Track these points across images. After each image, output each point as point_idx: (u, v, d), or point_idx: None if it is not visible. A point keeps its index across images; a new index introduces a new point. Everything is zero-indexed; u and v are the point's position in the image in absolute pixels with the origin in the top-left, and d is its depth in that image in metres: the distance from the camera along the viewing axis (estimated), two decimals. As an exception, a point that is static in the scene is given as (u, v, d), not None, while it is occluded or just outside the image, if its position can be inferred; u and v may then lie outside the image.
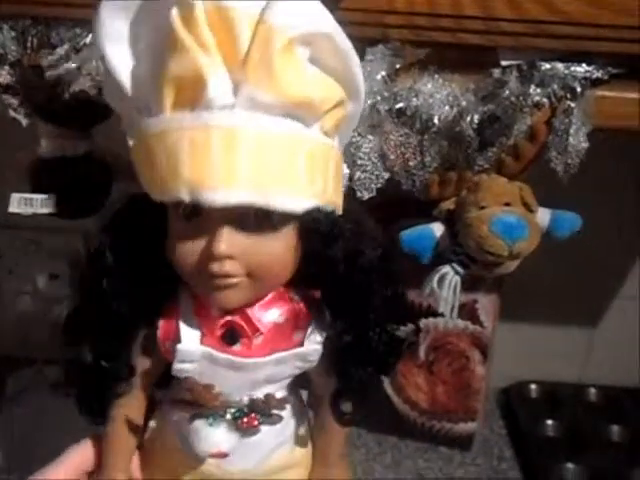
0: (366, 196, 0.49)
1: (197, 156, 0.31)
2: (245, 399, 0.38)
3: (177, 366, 0.37)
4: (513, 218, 0.49)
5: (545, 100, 0.47)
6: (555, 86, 0.47)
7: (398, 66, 0.46)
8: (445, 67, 0.47)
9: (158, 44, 0.32)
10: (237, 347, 0.36)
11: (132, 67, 0.33)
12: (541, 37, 0.45)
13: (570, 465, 0.71)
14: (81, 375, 0.39)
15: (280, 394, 0.39)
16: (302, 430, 0.44)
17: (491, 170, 0.50)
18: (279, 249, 0.34)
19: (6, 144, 0.50)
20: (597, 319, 0.82)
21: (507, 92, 0.47)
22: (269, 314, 0.36)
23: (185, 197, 0.31)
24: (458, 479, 0.72)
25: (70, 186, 0.50)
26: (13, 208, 0.49)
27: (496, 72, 0.47)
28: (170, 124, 0.31)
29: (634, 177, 0.70)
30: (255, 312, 0.36)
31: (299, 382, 0.43)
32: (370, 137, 0.48)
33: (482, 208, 0.49)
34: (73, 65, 0.46)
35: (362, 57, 0.45)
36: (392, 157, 0.49)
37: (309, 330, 0.37)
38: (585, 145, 0.47)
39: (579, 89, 0.47)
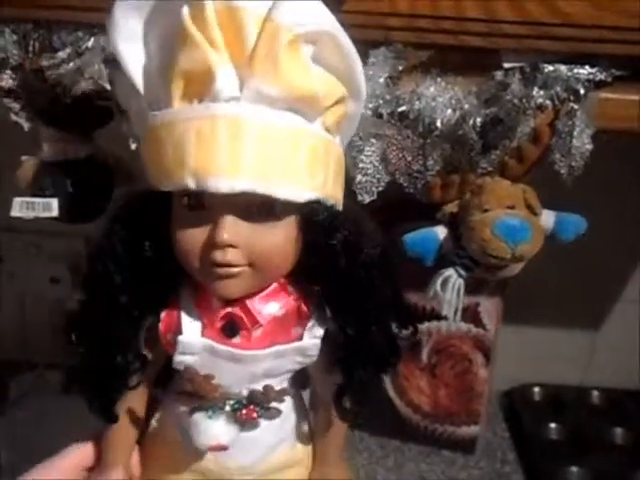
0: (367, 199, 0.49)
1: (203, 145, 0.32)
2: (244, 392, 0.39)
3: (178, 358, 0.37)
4: (516, 221, 0.49)
5: (548, 102, 0.47)
6: (558, 88, 0.47)
7: (400, 68, 0.46)
8: (447, 70, 0.47)
9: (169, 41, 0.34)
10: (237, 339, 0.37)
11: (144, 64, 0.35)
12: (544, 39, 0.45)
13: (574, 468, 0.71)
14: (92, 373, 0.39)
15: (279, 387, 0.40)
16: (302, 428, 0.44)
17: (494, 173, 0.50)
18: (280, 239, 0.35)
19: (8, 148, 0.50)
20: (600, 322, 0.82)
21: (510, 95, 0.46)
22: (269, 307, 0.37)
23: (191, 185, 0.32)
24: (461, 482, 0.72)
25: (72, 190, 0.50)
26: (15, 212, 0.49)
27: (499, 75, 0.47)
28: (178, 115, 0.33)
29: (637, 179, 0.70)
30: (255, 304, 0.37)
31: (300, 383, 0.44)
32: (372, 140, 0.48)
33: (485, 211, 0.49)
34: (75, 69, 0.46)
35: (365, 60, 0.45)
36: (394, 160, 0.49)
37: (308, 325, 0.38)
38: (589, 147, 0.47)
39: (582, 91, 0.47)
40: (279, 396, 0.39)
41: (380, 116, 0.47)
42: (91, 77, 0.46)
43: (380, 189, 0.49)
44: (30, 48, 0.47)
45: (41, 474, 0.41)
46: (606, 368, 0.83)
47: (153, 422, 0.44)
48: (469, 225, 0.49)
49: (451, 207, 0.51)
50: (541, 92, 0.47)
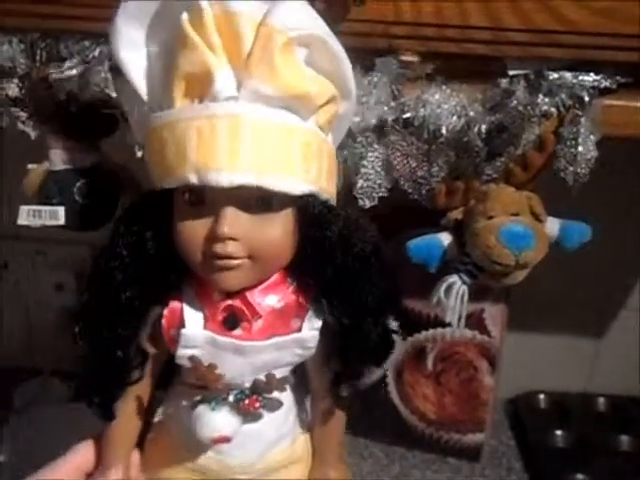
0: (368, 204, 0.50)
1: (204, 142, 0.34)
2: (247, 383, 0.40)
3: (181, 352, 0.38)
4: (520, 228, 0.49)
5: (553, 110, 0.47)
6: (563, 95, 0.47)
7: (406, 78, 0.46)
8: (452, 77, 0.47)
9: (169, 46, 0.36)
10: (238, 331, 0.39)
11: (145, 69, 0.37)
12: (548, 47, 0.45)
13: (579, 475, 0.70)
14: (93, 369, 0.40)
15: (280, 375, 0.41)
16: (302, 425, 0.46)
17: (499, 180, 0.50)
18: (279, 232, 0.37)
19: (14, 156, 0.50)
20: (604, 329, 0.82)
21: (515, 102, 0.46)
22: (268, 299, 0.38)
23: (193, 180, 0.34)
24: (467, 490, 0.72)
25: (78, 198, 0.50)
26: (22, 220, 0.49)
27: (503, 82, 0.47)
28: (179, 115, 0.35)
29: (641, 187, 0.70)
30: (255, 296, 0.38)
31: (301, 389, 0.45)
32: (375, 146, 0.49)
33: (490, 218, 0.49)
34: (81, 78, 0.47)
35: (371, 67, 0.46)
36: (399, 167, 0.49)
37: (307, 317, 0.39)
38: (594, 154, 0.47)
39: (587, 98, 0.47)
40: (281, 384, 0.41)
41: (384, 122, 0.47)
42: (97, 86, 0.46)
43: (381, 194, 0.50)
44: (37, 57, 0.47)
45: (45, 476, 0.41)
46: (611, 375, 0.82)
47: (155, 420, 0.44)
48: (473, 232, 0.49)
49: (455, 214, 0.52)
50: (546, 99, 0.47)
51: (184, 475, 0.43)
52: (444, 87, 0.47)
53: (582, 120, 0.47)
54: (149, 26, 0.36)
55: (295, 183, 0.35)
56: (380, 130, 0.47)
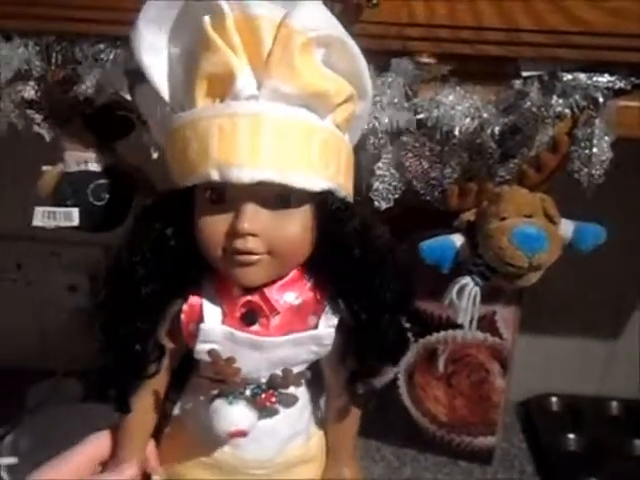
0: (384, 206, 0.50)
1: (225, 140, 0.35)
2: (264, 378, 0.41)
3: (199, 346, 0.39)
4: (533, 229, 0.49)
5: (567, 111, 0.47)
6: (577, 97, 0.46)
7: (420, 79, 0.46)
8: (466, 79, 0.47)
9: (191, 48, 0.37)
10: (256, 327, 0.39)
11: (167, 72, 0.38)
12: (562, 48, 0.45)
13: (592, 479, 0.69)
14: (111, 362, 0.41)
15: (297, 370, 0.41)
16: (317, 422, 0.46)
17: (512, 181, 0.50)
18: (298, 228, 0.37)
19: (29, 158, 0.51)
20: (618, 332, 0.81)
21: (528, 103, 0.46)
22: (286, 295, 0.39)
23: (215, 176, 0.35)
24: (479, 494, 0.71)
25: (93, 200, 0.51)
26: (37, 221, 0.50)
27: (517, 83, 0.47)
28: (202, 114, 0.36)
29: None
30: (273, 293, 0.39)
31: (315, 387, 0.45)
32: (390, 148, 0.49)
33: (503, 219, 0.49)
34: (96, 80, 0.47)
35: (385, 68, 0.46)
36: (412, 168, 0.49)
37: (323, 314, 0.40)
38: (609, 155, 0.47)
39: (601, 99, 0.46)
40: (297, 379, 0.41)
41: (398, 124, 0.47)
42: (112, 88, 0.47)
43: (396, 196, 0.50)
44: (53, 60, 0.47)
45: (56, 467, 0.42)
46: (624, 379, 0.81)
47: (173, 414, 0.45)
48: (486, 233, 0.49)
49: (468, 215, 0.51)
50: (560, 101, 0.47)
51: (200, 470, 0.43)
52: (458, 88, 0.47)
53: (596, 121, 0.47)
54: (170, 29, 0.38)
55: (314, 179, 0.36)
56: (393, 131, 0.47)
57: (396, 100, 0.47)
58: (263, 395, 0.41)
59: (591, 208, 0.49)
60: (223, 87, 0.36)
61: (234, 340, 0.39)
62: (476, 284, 0.51)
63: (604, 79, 0.46)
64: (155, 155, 0.49)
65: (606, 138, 0.47)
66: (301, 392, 0.43)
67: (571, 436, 0.76)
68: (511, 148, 0.48)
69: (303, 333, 0.40)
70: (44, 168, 0.52)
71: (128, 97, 0.46)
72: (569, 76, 0.46)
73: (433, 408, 0.72)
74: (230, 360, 0.39)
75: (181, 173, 0.37)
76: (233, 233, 0.36)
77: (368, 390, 0.43)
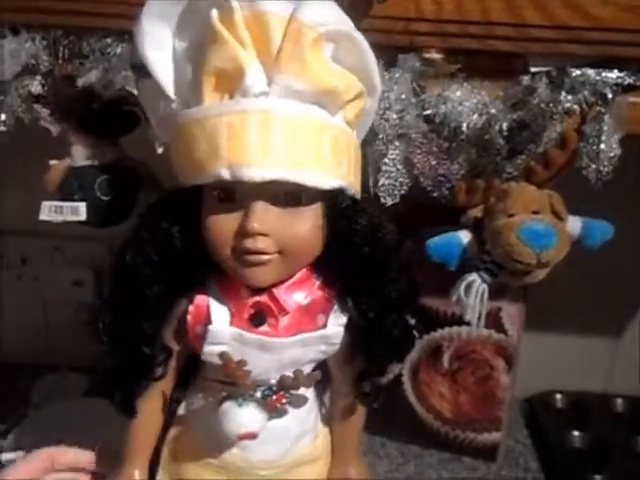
0: (390, 202, 0.50)
1: (235, 137, 0.34)
2: (273, 380, 0.40)
3: (207, 348, 0.39)
4: (541, 226, 0.49)
5: (576, 107, 0.47)
6: (586, 92, 0.46)
7: (428, 75, 0.46)
8: (474, 74, 0.47)
9: (197, 43, 0.36)
10: (265, 328, 0.39)
11: (172, 67, 0.37)
12: (572, 43, 0.45)
13: (597, 477, 0.69)
14: (117, 365, 0.40)
15: (307, 371, 0.41)
16: (323, 422, 0.46)
17: (520, 178, 0.50)
18: (308, 227, 0.37)
19: (36, 153, 0.51)
20: (623, 329, 0.81)
21: (537, 99, 0.46)
22: (295, 295, 0.39)
23: (225, 175, 0.34)
24: (483, 490, 0.71)
25: (99, 194, 0.51)
26: (44, 216, 0.50)
27: (526, 79, 0.47)
28: (210, 111, 0.35)
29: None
30: (282, 293, 0.38)
31: (321, 385, 0.45)
32: (396, 143, 0.48)
33: (511, 216, 0.49)
34: (103, 75, 0.47)
35: (392, 64, 0.46)
36: (419, 164, 0.49)
37: (332, 313, 0.40)
38: (618, 152, 0.47)
39: (610, 95, 0.46)
40: (308, 381, 0.41)
41: (405, 119, 0.47)
42: (119, 83, 0.46)
43: (402, 192, 0.50)
44: (60, 54, 0.47)
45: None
46: (630, 376, 0.81)
47: (178, 414, 0.44)
48: (494, 230, 0.49)
49: (475, 211, 0.51)
50: (568, 97, 0.46)
51: (207, 471, 0.43)
52: (465, 84, 0.47)
53: (605, 117, 0.47)
54: (175, 24, 0.37)
55: (326, 178, 0.36)
56: (401, 127, 0.47)
57: (403, 96, 0.47)
58: (274, 397, 0.40)
59: (598, 205, 0.49)
60: (232, 83, 0.35)
61: (243, 341, 0.38)
62: (483, 281, 0.51)
63: (613, 75, 0.46)
64: (159, 150, 0.48)
65: (615, 135, 0.47)
66: (309, 391, 0.43)
67: (576, 433, 0.76)
68: (519, 144, 0.48)
69: (312, 333, 0.39)
70: (51, 162, 0.51)
71: (134, 92, 0.46)
72: (578, 72, 0.46)
73: (438, 404, 0.72)
74: (241, 363, 0.38)
75: (188, 172, 0.36)
76: (243, 232, 0.35)
77: (375, 388, 0.43)
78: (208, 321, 0.38)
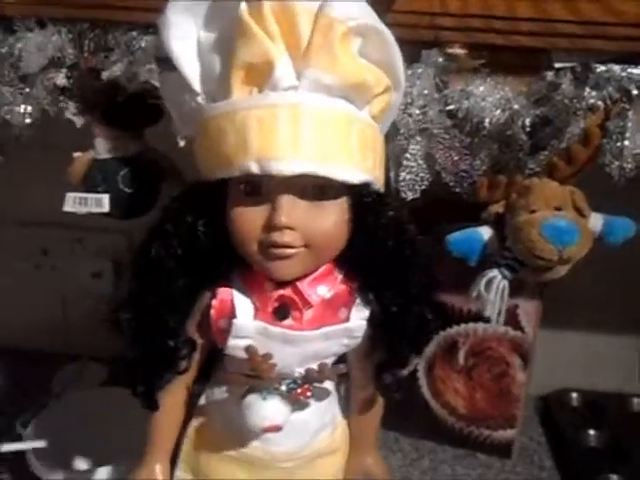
0: (410, 197, 0.49)
1: (265, 131, 0.34)
2: (296, 374, 0.41)
3: (232, 342, 0.39)
4: (563, 222, 0.48)
5: (600, 103, 0.46)
6: (610, 88, 0.46)
7: (450, 70, 0.46)
8: (498, 70, 0.46)
9: (225, 37, 0.36)
10: (289, 321, 0.39)
11: (198, 61, 0.37)
12: (597, 39, 0.45)
13: (614, 476, 0.69)
14: (140, 358, 0.40)
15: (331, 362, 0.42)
16: (342, 414, 0.47)
17: (542, 174, 0.49)
18: (334, 220, 0.37)
19: (60, 144, 0.51)
20: (640, 327, 0.80)
21: (560, 95, 0.46)
22: (319, 289, 0.39)
23: (254, 169, 0.34)
24: (498, 487, 0.71)
25: (122, 186, 0.51)
26: (68, 207, 0.50)
27: (549, 75, 0.46)
28: (238, 105, 0.35)
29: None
30: (306, 286, 0.39)
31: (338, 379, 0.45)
32: (417, 138, 0.48)
33: (532, 212, 0.49)
34: (128, 68, 0.47)
35: (415, 59, 0.45)
36: (441, 159, 0.49)
37: (354, 307, 0.40)
38: (643, 149, 0.46)
39: (635, 91, 0.46)
40: (333, 374, 0.41)
41: (428, 114, 0.47)
42: (143, 76, 0.47)
43: (424, 187, 0.50)
44: (85, 47, 0.48)
45: None
46: (646, 375, 0.81)
47: (199, 403, 0.45)
48: (516, 226, 0.49)
49: (497, 207, 0.51)
50: (593, 92, 0.46)
51: (228, 464, 0.43)
52: (489, 79, 0.46)
53: (629, 114, 0.46)
54: (202, 17, 0.37)
55: (354, 172, 0.36)
56: (423, 123, 0.47)
57: (426, 91, 0.47)
58: (299, 390, 0.41)
59: (619, 202, 0.49)
60: (261, 77, 0.35)
61: (267, 335, 0.39)
62: (504, 277, 0.51)
63: (638, 71, 0.46)
64: (182, 143, 0.49)
65: (639, 131, 0.46)
66: (331, 387, 0.44)
67: (591, 432, 0.75)
68: (542, 140, 0.47)
69: (336, 326, 0.40)
70: (75, 155, 0.52)
71: (158, 85, 0.47)
72: (602, 67, 0.46)
73: (452, 400, 0.72)
74: (267, 356, 0.38)
75: (215, 165, 0.36)
76: (270, 226, 0.36)
77: (395, 380, 0.43)
78: (232, 315, 0.39)
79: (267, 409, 0.40)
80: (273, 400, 0.40)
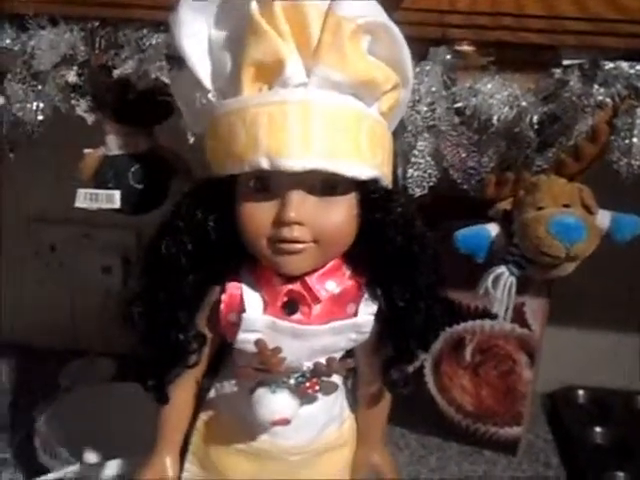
0: (418, 193, 0.50)
1: (275, 128, 0.34)
2: (304, 368, 0.41)
3: (242, 336, 0.39)
4: (571, 219, 0.48)
5: (608, 100, 0.46)
6: (619, 85, 0.46)
7: (458, 67, 0.46)
8: (506, 67, 0.47)
9: (236, 35, 0.37)
10: (297, 316, 0.39)
11: (209, 58, 0.38)
12: (605, 35, 0.45)
13: (620, 473, 0.69)
14: (150, 352, 0.41)
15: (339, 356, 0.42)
16: (349, 408, 0.47)
17: (550, 171, 0.49)
18: (343, 216, 0.37)
19: (70, 141, 0.52)
20: (648, 325, 0.80)
21: (569, 92, 0.46)
22: (327, 284, 0.39)
23: (265, 165, 0.35)
24: (504, 484, 0.71)
25: (133, 183, 0.52)
26: (79, 203, 0.51)
27: (557, 72, 0.47)
28: (249, 101, 0.36)
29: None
30: (314, 281, 0.39)
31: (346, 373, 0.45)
32: (425, 135, 0.49)
33: (540, 209, 0.49)
34: (138, 65, 0.48)
35: (423, 56, 0.46)
36: (449, 156, 0.49)
37: (362, 302, 0.40)
38: (650, 146, 0.46)
39: (644, 89, 0.46)
40: (341, 368, 0.41)
41: (436, 111, 0.47)
42: (154, 74, 0.47)
43: (431, 184, 0.50)
44: (97, 45, 0.48)
45: None
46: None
47: (209, 396, 0.45)
48: (523, 222, 0.49)
49: (504, 204, 0.51)
50: (601, 89, 0.46)
51: (237, 457, 0.44)
52: (497, 77, 0.47)
53: (638, 111, 0.46)
54: (212, 15, 0.37)
55: (363, 168, 0.36)
56: (431, 120, 0.47)
57: (434, 89, 0.47)
58: (307, 383, 0.41)
59: (627, 199, 0.49)
60: (271, 74, 0.36)
61: (276, 329, 0.39)
62: (512, 274, 0.51)
63: (647, 68, 0.46)
64: (192, 140, 0.49)
65: (647, 129, 0.47)
66: (339, 381, 0.44)
67: (598, 429, 0.75)
68: (550, 137, 0.47)
69: (344, 321, 0.40)
70: (86, 151, 0.52)
71: (169, 82, 0.47)
72: (611, 64, 0.46)
73: (459, 397, 0.72)
74: (276, 350, 0.39)
75: (225, 161, 0.37)
76: (279, 221, 0.36)
77: (402, 376, 0.44)
78: (241, 309, 0.39)
79: (276, 403, 0.40)
80: (282, 394, 0.40)
